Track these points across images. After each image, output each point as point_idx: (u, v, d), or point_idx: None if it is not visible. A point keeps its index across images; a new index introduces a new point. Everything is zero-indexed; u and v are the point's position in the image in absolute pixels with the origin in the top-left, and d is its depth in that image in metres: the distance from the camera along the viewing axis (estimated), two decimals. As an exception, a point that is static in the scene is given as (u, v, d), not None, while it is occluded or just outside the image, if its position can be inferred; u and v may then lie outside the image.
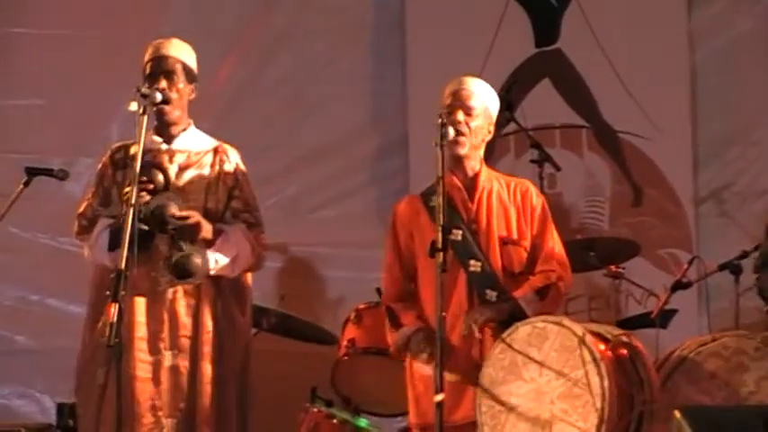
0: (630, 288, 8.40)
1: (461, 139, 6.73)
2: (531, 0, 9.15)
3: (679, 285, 7.89)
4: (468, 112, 6.77)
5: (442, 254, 6.42)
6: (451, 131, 6.64)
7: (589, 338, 6.43)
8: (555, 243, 6.92)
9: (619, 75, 9.05)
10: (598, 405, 6.33)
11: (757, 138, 9.11)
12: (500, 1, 9.09)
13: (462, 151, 6.77)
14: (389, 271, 6.96)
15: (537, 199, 6.96)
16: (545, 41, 9.12)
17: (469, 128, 6.75)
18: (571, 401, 6.41)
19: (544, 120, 8.93)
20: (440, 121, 6.62)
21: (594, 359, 6.36)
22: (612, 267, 8.12)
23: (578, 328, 6.46)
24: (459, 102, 6.79)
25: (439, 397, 6.35)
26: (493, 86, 7.41)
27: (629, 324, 7.63)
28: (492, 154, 8.27)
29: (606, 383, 6.33)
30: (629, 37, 9.11)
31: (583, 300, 8.02)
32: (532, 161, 8.14)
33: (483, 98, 6.89)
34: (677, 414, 5.92)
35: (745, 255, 7.64)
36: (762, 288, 7.28)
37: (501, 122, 8.34)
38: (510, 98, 8.44)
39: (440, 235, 6.42)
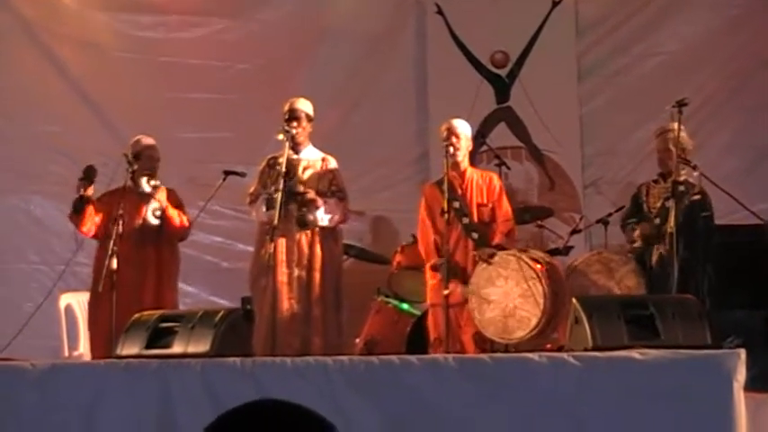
0: (549, 234, 8.32)
1: (457, 152, 6.85)
2: (494, 79, 8.97)
3: (574, 232, 8.04)
4: (458, 137, 6.89)
5: (447, 213, 6.66)
6: (451, 149, 6.79)
7: (532, 264, 6.61)
8: (507, 207, 7.06)
9: (540, 117, 8.84)
10: (540, 302, 6.50)
11: (616, 150, 8.86)
12: (477, 79, 8.92)
13: (458, 159, 6.93)
14: (423, 223, 7.04)
15: (497, 182, 7.12)
16: (501, 101, 8.97)
17: (460, 146, 6.89)
18: (524, 299, 6.54)
19: (502, 143, 8.77)
20: (444, 143, 6.83)
21: (537, 275, 6.56)
22: (539, 222, 8.14)
23: (527, 259, 6.64)
24: (452, 133, 6.88)
25: (446, 291, 6.63)
26: (473, 125, 7.46)
27: (549, 253, 7.55)
28: (474, 160, 8.41)
29: (545, 289, 6.51)
30: (544, 95, 8.84)
31: (523, 241, 7.85)
32: (496, 165, 8.02)
33: (463, 129, 6.99)
34: (574, 300, 5.67)
35: (610, 215, 7.70)
36: (625, 231, 7.32)
37: (479, 144, 8.50)
38: (484, 132, 8.61)
39: (446, 204, 6.68)
